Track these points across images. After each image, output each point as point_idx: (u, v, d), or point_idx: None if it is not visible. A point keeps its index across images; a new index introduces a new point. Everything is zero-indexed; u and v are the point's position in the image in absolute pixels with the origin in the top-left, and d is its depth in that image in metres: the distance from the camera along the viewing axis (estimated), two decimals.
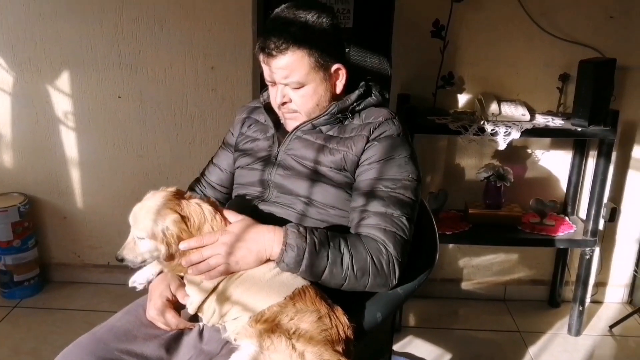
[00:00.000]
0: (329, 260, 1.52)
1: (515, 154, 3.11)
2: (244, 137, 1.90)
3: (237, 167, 1.89)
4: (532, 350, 2.90)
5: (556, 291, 3.27)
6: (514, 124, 2.78)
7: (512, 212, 2.99)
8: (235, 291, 1.50)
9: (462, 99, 3.06)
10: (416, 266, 1.71)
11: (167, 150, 3.20)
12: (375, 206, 1.62)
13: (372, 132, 1.70)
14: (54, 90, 3.13)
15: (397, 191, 1.64)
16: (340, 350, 1.44)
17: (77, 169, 3.28)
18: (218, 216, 1.56)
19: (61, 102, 3.15)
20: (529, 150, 3.13)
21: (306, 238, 1.51)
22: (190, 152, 3.19)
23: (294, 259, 1.49)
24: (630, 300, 3.34)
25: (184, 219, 1.51)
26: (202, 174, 2.02)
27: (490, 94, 2.94)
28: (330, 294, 1.54)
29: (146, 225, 1.48)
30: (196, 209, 1.54)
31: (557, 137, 3.01)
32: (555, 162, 3.14)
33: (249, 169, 1.84)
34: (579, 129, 2.72)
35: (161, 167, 3.24)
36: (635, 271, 3.27)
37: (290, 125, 1.78)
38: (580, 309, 2.98)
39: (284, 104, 1.74)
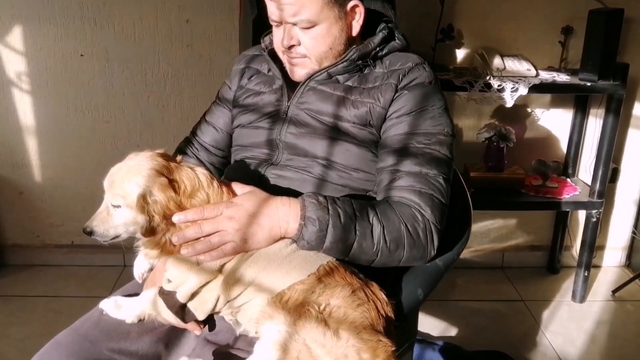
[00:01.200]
0: (357, 233, 1.28)
1: (515, 114, 2.92)
2: (244, 91, 1.63)
3: (237, 126, 1.62)
4: (538, 319, 2.75)
5: (555, 257, 3.13)
6: (520, 79, 2.57)
7: (515, 175, 2.81)
8: (247, 272, 1.25)
9: (461, 54, 2.84)
10: (450, 233, 1.48)
11: (137, 115, 2.89)
12: (408, 165, 1.39)
13: (401, 79, 1.46)
14: (5, 49, 2.77)
15: (432, 147, 1.41)
16: (381, 329, 1.21)
17: (34, 138, 2.93)
18: (215, 183, 1.30)
19: (14, 61, 2.79)
20: (529, 109, 2.95)
21: (328, 209, 1.27)
22: (163, 117, 2.89)
23: (316, 235, 1.25)
24: (629, 264, 3.24)
25: (172, 183, 1.24)
26: (194, 133, 1.74)
27: (491, 48, 2.73)
28: (360, 272, 1.31)
29: (125, 189, 1.21)
30: (188, 173, 1.27)
31: (564, 93, 2.84)
32: (555, 121, 2.97)
33: (253, 128, 1.57)
34: (588, 84, 2.55)
35: (131, 134, 2.92)
36: (634, 233, 3.16)
37: (297, 73, 1.52)
38: (586, 274, 2.85)
39: (290, 47, 1.47)
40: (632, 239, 3.19)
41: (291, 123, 1.50)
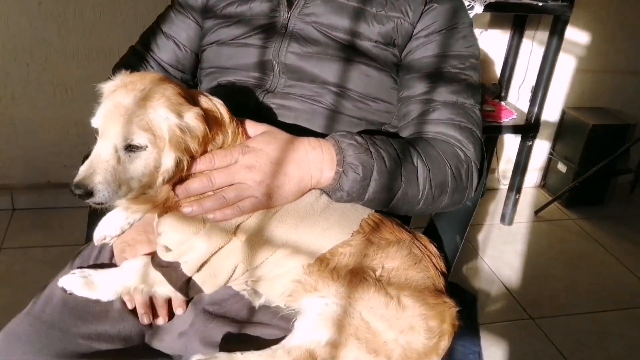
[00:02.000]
0: (403, 179, 1.06)
1: None
2: None
3: (213, 43, 1.29)
4: (475, 245, 2.75)
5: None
6: None
7: None
8: (275, 233, 1.00)
9: None
10: None
11: (26, 26, 2.35)
12: (443, 94, 1.18)
13: None
14: None
15: (466, 72, 1.21)
16: (442, 287, 1.03)
17: None
18: (235, 121, 1.00)
19: None
20: None
21: (370, 151, 1.04)
22: (59, 30, 2.38)
23: (359, 184, 1.02)
24: (544, 184, 3.33)
25: (207, 114, 0.95)
26: (146, 47, 1.36)
27: None
28: None
29: (152, 121, 0.90)
30: (208, 103, 0.97)
31: (516, 12, 2.71)
32: (492, 42, 2.87)
33: (238, 46, 1.25)
34: (540, 4, 2.45)
35: (17, 52, 2.38)
36: (551, 154, 3.23)
37: None
38: (517, 197, 2.87)
39: None
40: (549, 161, 3.26)
41: (293, 40, 1.21)
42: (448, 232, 1.22)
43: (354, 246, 0.99)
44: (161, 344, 1.10)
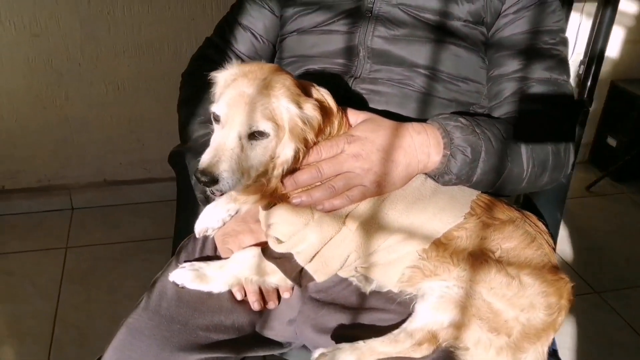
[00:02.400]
0: (509, 159, 1.05)
1: None
2: None
3: (293, 32, 1.28)
4: None
5: None
6: None
7: None
8: (386, 219, 0.99)
9: None
10: None
11: (76, 25, 2.36)
12: (537, 70, 1.16)
13: None
14: None
15: (557, 48, 1.19)
16: (557, 264, 1.02)
17: None
18: (340, 111, 1.01)
19: None
20: None
21: (476, 132, 1.03)
22: (109, 26, 2.39)
23: (468, 166, 1.01)
24: (591, 159, 3.28)
25: (322, 105, 0.96)
26: (224, 39, 1.35)
27: None
28: None
29: (275, 110, 0.91)
30: (317, 93, 0.98)
31: None
32: None
33: (322, 33, 1.24)
34: None
35: (69, 49, 2.40)
36: (600, 128, 3.18)
37: None
38: (570, 172, 2.82)
39: None
40: (596, 135, 3.21)
41: (380, 23, 1.20)
42: (547, 209, 1.21)
43: (469, 229, 0.98)
44: (271, 332, 1.12)
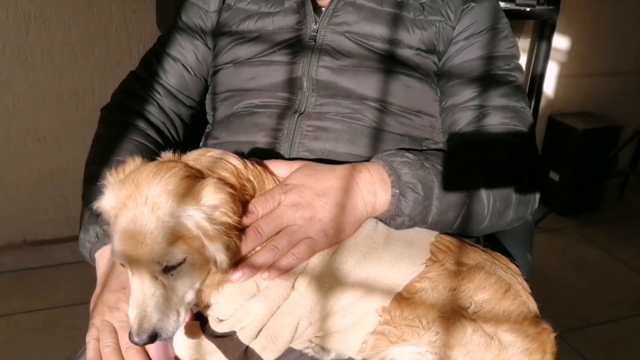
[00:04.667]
0: (466, 194, 0.95)
1: None
2: (235, 12, 1.16)
3: (226, 64, 1.16)
4: None
5: None
6: None
7: None
8: (338, 275, 0.85)
9: None
10: None
11: None
12: (493, 97, 1.09)
13: None
14: None
15: (513, 74, 1.13)
16: (537, 311, 0.91)
17: None
18: (249, 163, 0.87)
19: None
20: None
21: (426, 167, 0.92)
22: (27, 74, 2.22)
23: (421, 205, 0.90)
24: None
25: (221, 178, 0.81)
26: (150, 71, 1.21)
27: None
28: None
29: (173, 228, 0.74)
30: (213, 165, 0.83)
31: None
32: None
33: (260, 64, 1.13)
34: (527, 9, 2.41)
35: None
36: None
37: None
38: None
39: None
40: None
41: (324, 53, 1.09)
42: (517, 249, 1.11)
43: (433, 279, 0.85)
44: None
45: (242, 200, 0.81)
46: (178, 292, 0.77)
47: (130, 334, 0.76)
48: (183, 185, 0.76)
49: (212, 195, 0.76)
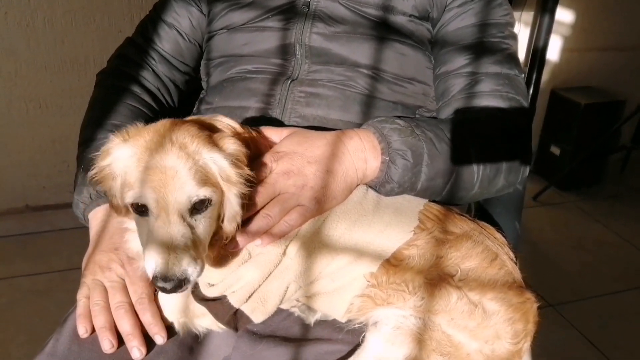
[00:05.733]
0: (455, 161, 0.95)
1: None
2: None
3: (220, 29, 1.16)
4: None
5: None
6: None
7: None
8: (328, 241, 0.87)
9: None
10: None
11: None
12: (486, 64, 1.09)
13: None
14: None
15: (506, 42, 1.12)
16: (521, 281, 0.92)
17: None
18: (246, 130, 0.87)
19: None
20: None
21: (416, 133, 0.93)
22: (29, 40, 2.22)
23: (410, 172, 0.91)
24: (535, 169, 3.27)
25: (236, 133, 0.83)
26: (145, 37, 1.22)
27: None
28: None
29: (206, 170, 0.76)
30: (223, 124, 0.84)
31: None
32: None
33: (253, 30, 1.13)
34: None
35: None
36: (542, 137, 3.17)
37: None
38: None
39: None
40: (540, 144, 3.20)
41: (318, 19, 1.09)
42: (505, 218, 1.11)
43: (421, 246, 0.87)
44: None
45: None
46: (202, 237, 0.77)
47: (155, 279, 0.73)
48: (204, 134, 0.78)
49: (232, 145, 0.78)
